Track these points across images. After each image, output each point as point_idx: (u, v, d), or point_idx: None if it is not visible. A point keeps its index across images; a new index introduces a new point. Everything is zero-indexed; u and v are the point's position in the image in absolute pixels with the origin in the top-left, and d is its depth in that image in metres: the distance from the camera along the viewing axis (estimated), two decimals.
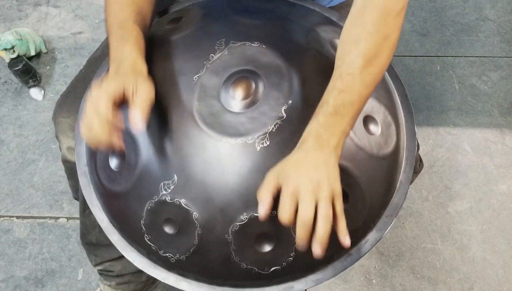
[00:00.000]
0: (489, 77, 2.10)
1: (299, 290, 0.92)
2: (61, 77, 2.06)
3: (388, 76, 1.06)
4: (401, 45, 2.17)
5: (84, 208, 1.21)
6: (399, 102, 1.04)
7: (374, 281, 1.65)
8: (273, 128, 0.85)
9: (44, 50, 2.09)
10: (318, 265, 0.92)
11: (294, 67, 0.91)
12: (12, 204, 1.76)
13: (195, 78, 0.90)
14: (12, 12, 2.22)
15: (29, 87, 1.99)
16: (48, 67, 2.08)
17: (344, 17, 1.09)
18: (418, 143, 1.08)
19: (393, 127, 0.98)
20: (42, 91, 2.00)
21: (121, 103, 0.81)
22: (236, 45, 0.93)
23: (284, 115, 0.86)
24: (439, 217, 1.77)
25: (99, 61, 1.16)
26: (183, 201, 0.85)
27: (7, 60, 1.94)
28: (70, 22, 2.21)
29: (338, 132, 0.80)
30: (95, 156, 0.97)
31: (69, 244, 1.69)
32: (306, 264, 0.91)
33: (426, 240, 1.73)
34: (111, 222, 0.97)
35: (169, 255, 0.90)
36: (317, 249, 0.75)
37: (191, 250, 0.88)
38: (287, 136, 0.85)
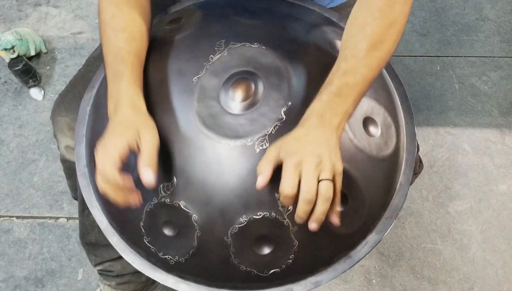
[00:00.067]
0: (489, 77, 2.10)
1: None
2: (61, 77, 2.06)
3: (388, 77, 1.06)
4: (401, 45, 2.17)
5: (83, 209, 1.20)
6: (399, 103, 1.04)
7: (374, 281, 1.65)
8: (272, 130, 0.85)
9: (44, 50, 2.09)
10: (318, 267, 0.92)
11: (294, 69, 0.90)
12: (12, 204, 1.76)
13: (194, 79, 0.90)
14: (12, 12, 2.22)
15: (29, 87, 1.99)
16: (48, 67, 2.08)
17: (344, 17, 1.09)
18: (418, 144, 1.08)
19: (393, 129, 0.98)
20: (42, 91, 2.00)
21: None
22: (236, 46, 0.92)
23: (284, 117, 0.86)
24: (439, 217, 1.77)
25: (98, 60, 1.16)
26: (182, 203, 0.85)
27: (7, 60, 1.94)
28: (70, 22, 2.21)
29: (341, 113, 0.80)
30: (95, 157, 0.96)
31: (69, 244, 1.69)
32: (305, 266, 0.90)
33: (426, 240, 1.73)
34: (110, 223, 0.97)
35: (168, 257, 0.90)
36: (315, 226, 0.77)
37: (190, 252, 0.88)
38: None
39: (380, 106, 0.96)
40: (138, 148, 0.79)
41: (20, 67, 1.91)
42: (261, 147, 0.84)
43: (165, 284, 0.93)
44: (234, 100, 0.88)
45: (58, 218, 1.74)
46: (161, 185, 0.86)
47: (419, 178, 1.79)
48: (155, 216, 0.88)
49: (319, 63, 0.93)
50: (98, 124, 0.98)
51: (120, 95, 0.84)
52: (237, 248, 0.86)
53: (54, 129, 1.15)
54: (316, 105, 0.81)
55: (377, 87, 0.99)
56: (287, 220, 0.84)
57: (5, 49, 1.90)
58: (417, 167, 1.19)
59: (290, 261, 0.87)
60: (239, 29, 0.97)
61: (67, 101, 1.15)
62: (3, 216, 1.74)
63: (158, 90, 0.91)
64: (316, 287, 0.91)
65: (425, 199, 1.80)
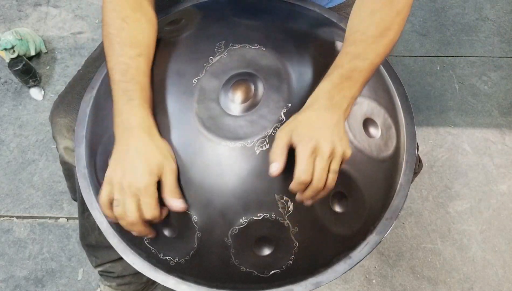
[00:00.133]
0: (489, 77, 2.10)
1: None
2: (61, 77, 2.05)
3: (388, 77, 1.05)
4: (401, 45, 2.17)
5: (83, 210, 1.20)
6: (399, 104, 1.04)
7: (374, 281, 1.65)
8: (272, 131, 0.85)
9: (44, 50, 2.09)
10: (318, 268, 0.92)
11: (293, 70, 0.90)
12: (12, 204, 1.76)
13: (194, 81, 0.90)
14: (12, 12, 2.22)
15: (29, 87, 1.99)
16: (48, 67, 2.08)
17: (343, 18, 1.09)
18: (417, 144, 1.08)
19: (393, 130, 0.98)
20: (42, 91, 2.00)
21: None
22: (236, 47, 0.92)
23: (284, 118, 0.85)
24: (439, 217, 1.77)
25: (97, 61, 1.16)
26: None
27: (7, 60, 1.94)
28: (70, 22, 2.21)
29: (349, 97, 0.82)
30: (95, 158, 0.96)
31: (69, 244, 1.69)
32: (305, 267, 0.91)
33: (426, 240, 1.73)
34: (110, 224, 0.97)
35: (168, 258, 0.90)
36: (310, 204, 0.82)
37: (191, 254, 0.88)
38: None
39: (380, 107, 0.96)
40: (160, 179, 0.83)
41: (20, 67, 1.90)
42: (261, 149, 0.84)
43: (165, 285, 0.93)
44: (234, 102, 0.88)
45: (58, 218, 1.74)
46: None
47: (419, 178, 1.80)
48: None
49: (319, 64, 0.93)
50: (98, 125, 0.98)
51: (132, 116, 0.85)
52: (237, 249, 0.86)
53: (53, 131, 1.15)
54: (326, 87, 0.82)
55: (377, 88, 0.99)
56: (287, 221, 0.84)
57: (5, 49, 1.90)
58: (417, 166, 1.18)
59: (291, 262, 0.87)
60: (239, 30, 0.96)
61: (66, 102, 1.14)
62: (3, 216, 1.74)
63: (157, 91, 0.91)
64: (316, 287, 0.92)
65: (425, 199, 1.80)
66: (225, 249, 0.86)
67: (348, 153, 0.80)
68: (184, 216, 0.85)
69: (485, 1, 2.32)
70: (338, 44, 0.98)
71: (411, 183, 1.00)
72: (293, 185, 0.78)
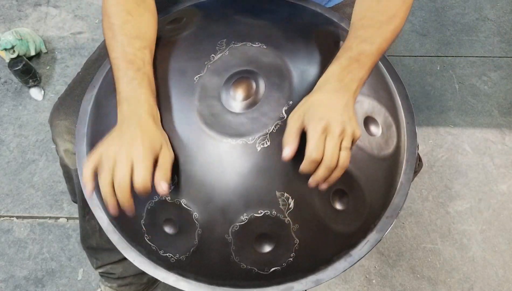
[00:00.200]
0: (489, 77, 2.10)
1: None
2: (61, 77, 2.05)
3: (389, 77, 1.06)
4: (401, 45, 2.17)
5: (84, 214, 1.21)
6: (400, 103, 1.04)
7: (374, 281, 1.65)
8: (273, 128, 0.85)
9: (44, 50, 2.09)
10: (318, 266, 0.92)
11: (295, 68, 0.91)
12: (12, 204, 1.76)
13: (195, 79, 0.90)
14: (12, 12, 2.22)
15: (29, 87, 1.99)
16: (48, 67, 2.08)
17: (343, 18, 1.09)
18: (417, 143, 1.08)
19: (393, 128, 0.98)
20: (42, 91, 2.00)
21: None
22: (237, 45, 0.93)
23: (285, 115, 0.86)
24: (439, 217, 1.77)
25: (96, 63, 1.16)
26: (183, 201, 0.85)
27: (7, 60, 1.94)
28: (70, 22, 2.21)
29: (358, 79, 0.83)
30: None
31: (69, 244, 1.69)
32: (306, 264, 0.91)
33: (426, 240, 1.73)
34: (111, 222, 0.97)
35: (169, 255, 0.90)
36: (326, 187, 0.80)
37: (191, 250, 0.88)
38: None
39: (381, 106, 0.96)
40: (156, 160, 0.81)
41: (20, 67, 1.90)
42: (262, 146, 0.84)
43: (165, 282, 0.93)
44: (235, 99, 0.88)
45: (58, 218, 1.74)
46: None
47: (419, 177, 1.80)
48: (156, 214, 0.88)
49: (320, 62, 0.93)
50: (99, 123, 0.98)
51: (141, 103, 0.85)
52: (238, 246, 0.86)
53: (52, 134, 1.14)
54: (335, 69, 0.83)
55: (378, 87, 0.99)
56: (288, 218, 0.84)
57: (5, 49, 1.90)
58: (417, 165, 1.19)
59: (291, 259, 0.87)
60: (240, 28, 0.97)
61: (66, 105, 1.14)
62: (3, 216, 1.74)
63: (159, 89, 0.91)
64: (316, 285, 0.92)
65: (425, 199, 1.80)
66: (226, 246, 0.86)
67: (358, 133, 0.80)
68: (185, 212, 0.85)
69: (485, 1, 2.33)
70: (339, 43, 0.99)
71: (411, 182, 1.00)
72: (304, 165, 0.78)
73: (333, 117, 0.78)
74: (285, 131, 0.80)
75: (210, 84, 0.89)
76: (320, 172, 0.78)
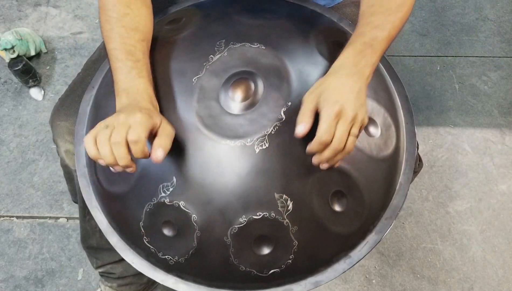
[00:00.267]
0: (489, 77, 2.09)
1: None
2: (61, 77, 2.05)
3: (388, 77, 1.06)
4: (401, 45, 2.17)
5: (84, 214, 1.21)
6: (399, 104, 1.04)
7: (374, 281, 1.65)
8: (272, 130, 0.85)
9: (44, 50, 2.09)
10: (318, 267, 0.92)
11: (293, 69, 0.90)
12: (12, 204, 1.76)
13: (194, 80, 0.90)
14: (12, 12, 2.22)
15: (29, 87, 1.98)
16: (48, 67, 2.08)
17: (343, 18, 1.09)
18: (417, 142, 1.08)
19: (392, 129, 0.98)
20: (42, 91, 2.00)
21: None
22: (236, 46, 0.92)
23: (284, 117, 0.86)
24: (439, 217, 1.77)
25: (96, 64, 1.16)
26: (182, 203, 0.85)
27: (7, 60, 1.94)
28: (70, 22, 2.21)
29: (371, 64, 0.86)
30: None
31: (69, 244, 1.69)
32: (305, 266, 0.91)
33: (426, 240, 1.73)
34: (110, 224, 0.97)
35: (168, 257, 0.90)
36: (326, 167, 0.82)
37: (190, 253, 0.88)
38: (286, 138, 0.85)
39: (380, 106, 0.96)
40: (156, 133, 0.81)
41: (20, 67, 1.90)
42: (260, 148, 0.84)
43: (164, 284, 0.93)
44: (234, 100, 0.88)
45: (58, 218, 1.74)
46: (161, 185, 0.86)
47: (419, 178, 1.79)
48: (155, 216, 0.88)
49: (319, 64, 0.93)
50: None
51: (140, 92, 0.85)
52: (236, 248, 0.86)
53: (53, 134, 1.14)
54: (350, 54, 0.86)
55: (377, 88, 0.99)
56: (287, 220, 0.84)
57: (5, 49, 1.90)
58: (417, 165, 1.19)
59: (290, 261, 0.87)
60: (239, 29, 0.96)
61: (67, 105, 1.14)
62: (3, 216, 1.74)
63: (158, 90, 0.91)
64: (316, 287, 0.92)
65: (425, 199, 1.80)
66: (225, 248, 0.86)
67: (366, 120, 0.83)
68: (183, 215, 0.85)
69: (485, 1, 2.32)
70: (338, 43, 0.98)
71: (411, 182, 1.00)
72: (313, 145, 0.79)
73: (347, 102, 0.79)
74: (300, 110, 0.81)
75: (209, 85, 0.89)
76: (326, 153, 0.80)
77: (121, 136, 0.77)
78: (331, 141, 0.79)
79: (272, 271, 0.88)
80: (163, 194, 0.86)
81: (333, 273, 0.92)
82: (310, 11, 1.08)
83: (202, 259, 0.88)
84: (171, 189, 0.85)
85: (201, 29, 0.98)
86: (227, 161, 0.84)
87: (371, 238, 0.95)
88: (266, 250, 0.87)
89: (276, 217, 0.84)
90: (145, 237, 0.90)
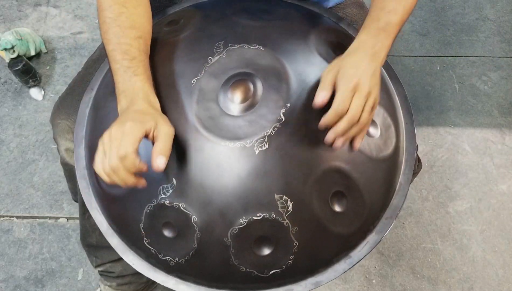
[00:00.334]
0: (489, 77, 2.09)
1: None
2: (61, 77, 2.05)
3: (388, 77, 1.06)
4: (401, 45, 2.17)
5: (84, 212, 1.20)
6: (399, 104, 1.04)
7: (374, 281, 1.65)
8: (271, 131, 0.85)
9: (44, 50, 2.09)
10: (318, 268, 0.92)
11: (293, 70, 0.90)
12: (12, 204, 1.76)
13: (193, 81, 0.90)
14: (12, 12, 2.22)
15: (29, 87, 1.98)
16: (48, 67, 2.08)
17: (342, 18, 1.09)
18: (417, 144, 1.08)
19: (392, 129, 0.98)
20: (42, 91, 2.00)
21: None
22: (235, 47, 0.92)
23: (283, 118, 0.85)
24: (439, 217, 1.77)
25: (96, 63, 1.16)
26: (182, 205, 0.85)
27: (7, 60, 1.94)
28: (70, 22, 2.21)
29: (386, 47, 0.89)
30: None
31: (69, 244, 1.69)
32: (305, 266, 0.91)
33: (426, 240, 1.73)
34: (110, 225, 0.97)
35: (168, 258, 0.90)
36: (341, 142, 0.84)
37: (190, 254, 0.88)
38: (285, 139, 0.85)
39: (379, 107, 0.96)
40: (154, 137, 0.81)
41: (20, 67, 1.90)
42: (260, 149, 0.84)
43: (165, 285, 0.93)
44: (233, 102, 0.88)
45: (58, 218, 1.74)
46: (161, 187, 0.86)
47: (419, 178, 1.79)
48: (155, 217, 0.88)
49: (318, 65, 0.93)
50: (98, 125, 0.98)
51: (136, 91, 0.86)
52: (237, 249, 0.86)
53: (54, 132, 1.15)
54: (366, 37, 0.89)
55: None
56: (287, 221, 0.84)
57: (5, 49, 1.90)
58: (416, 166, 1.19)
59: (290, 261, 0.87)
60: (238, 30, 0.96)
61: (67, 104, 1.15)
62: (3, 216, 1.74)
63: (156, 91, 0.91)
64: (316, 287, 0.92)
65: (425, 199, 1.80)
66: (225, 249, 0.86)
67: (378, 100, 0.86)
68: (183, 216, 0.85)
69: (485, 1, 2.32)
70: (338, 43, 0.98)
71: (410, 183, 1.00)
72: (328, 115, 0.82)
73: (363, 78, 0.83)
74: (320, 81, 0.84)
75: (208, 87, 0.89)
76: (342, 124, 0.82)
77: (114, 158, 0.78)
78: (347, 113, 0.81)
79: (272, 271, 0.88)
80: (163, 196, 0.86)
81: (334, 273, 0.92)
82: (309, 11, 1.08)
83: (202, 260, 0.88)
84: (171, 191, 0.85)
85: (200, 31, 0.98)
86: (226, 162, 0.84)
87: (371, 238, 0.95)
88: (266, 251, 0.87)
89: (276, 217, 0.84)
90: (145, 238, 0.90)
